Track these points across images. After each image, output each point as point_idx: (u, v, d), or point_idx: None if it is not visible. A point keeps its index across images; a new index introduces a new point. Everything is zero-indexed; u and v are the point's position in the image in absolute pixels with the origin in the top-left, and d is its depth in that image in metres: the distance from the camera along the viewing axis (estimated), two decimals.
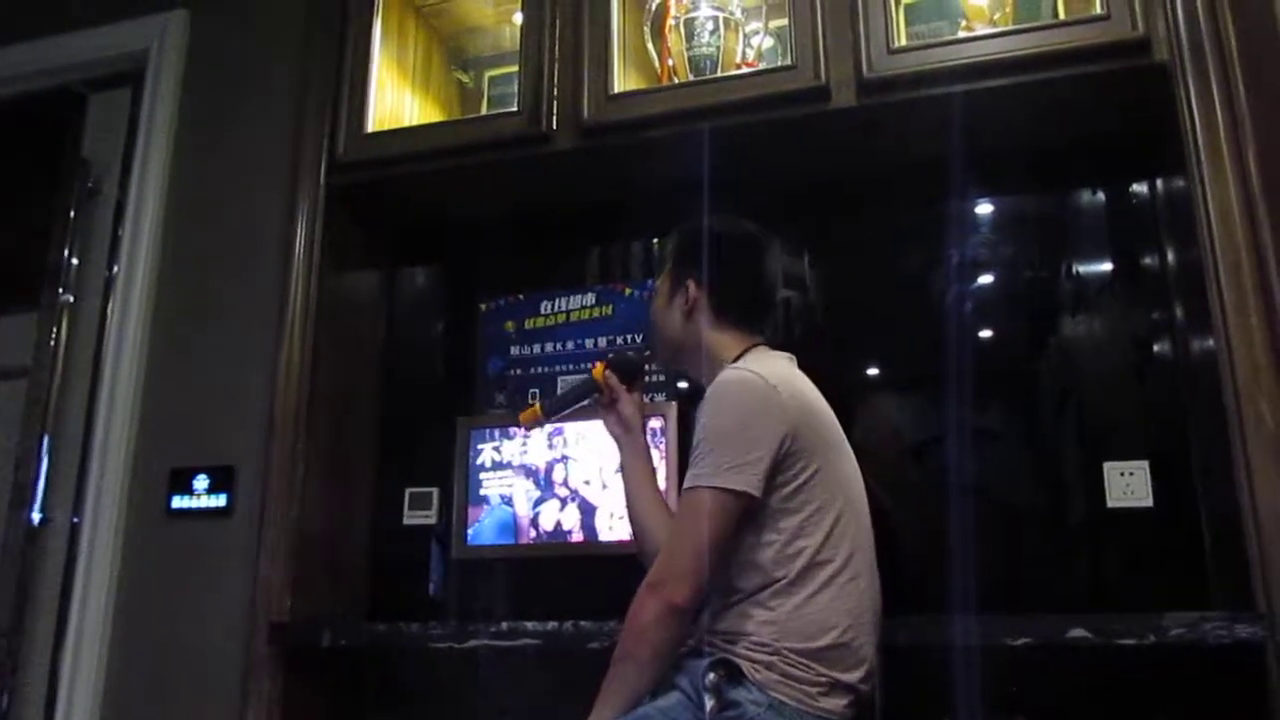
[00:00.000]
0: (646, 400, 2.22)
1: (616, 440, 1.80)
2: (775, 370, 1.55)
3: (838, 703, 1.43)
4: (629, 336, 2.30)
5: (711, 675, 1.43)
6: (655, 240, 2.40)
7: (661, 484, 2.02)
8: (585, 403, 1.84)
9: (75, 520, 2.34)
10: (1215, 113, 1.76)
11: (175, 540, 2.25)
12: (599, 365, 1.81)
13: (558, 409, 1.85)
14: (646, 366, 1.92)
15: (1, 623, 2.29)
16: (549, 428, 2.20)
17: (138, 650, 2.20)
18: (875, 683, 1.51)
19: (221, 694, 2.09)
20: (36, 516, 2.36)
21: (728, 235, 1.73)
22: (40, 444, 2.39)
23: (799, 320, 2.22)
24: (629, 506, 1.77)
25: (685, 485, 1.49)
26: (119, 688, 2.19)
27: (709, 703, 1.41)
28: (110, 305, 2.43)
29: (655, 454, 2.08)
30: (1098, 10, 1.85)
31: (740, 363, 1.59)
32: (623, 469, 1.80)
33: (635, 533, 1.76)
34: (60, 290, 2.49)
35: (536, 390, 2.37)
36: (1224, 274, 1.70)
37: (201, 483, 2.25)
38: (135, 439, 2.32)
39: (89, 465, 2.32)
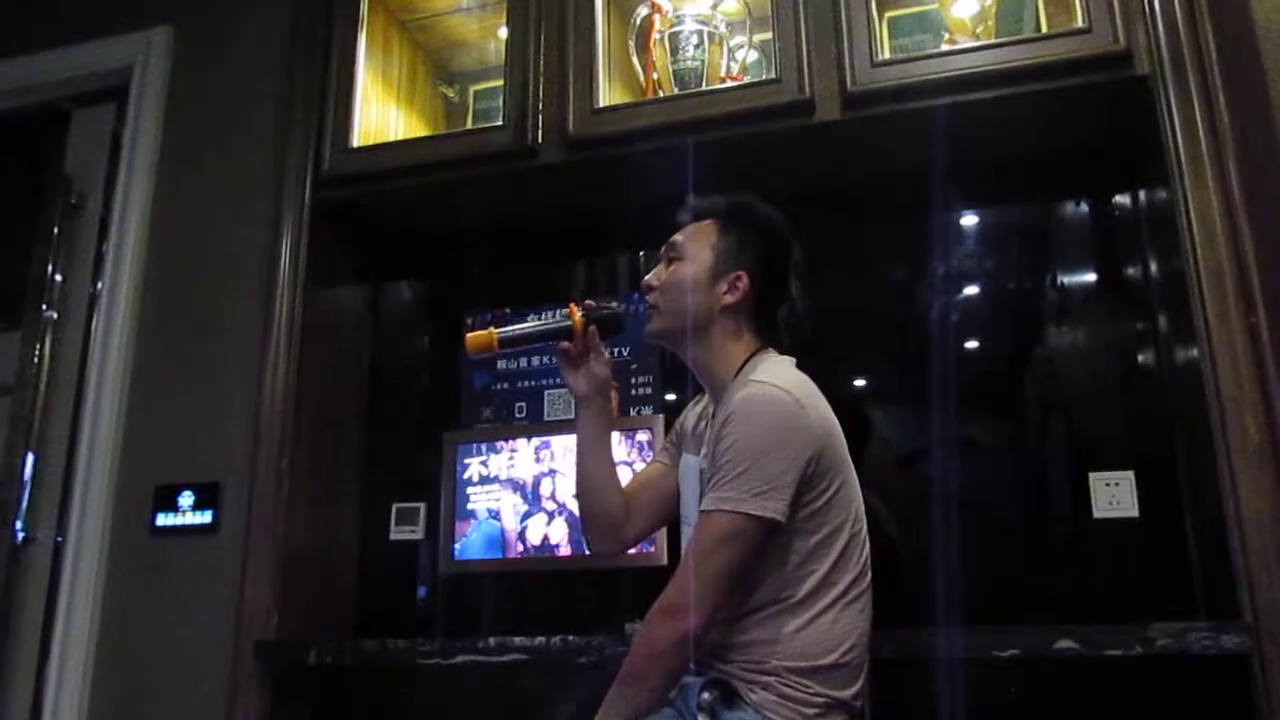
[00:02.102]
0: (633, 413, 2.23)
1: (581, 399, 1.67)
2: (797, 384, 1.48)
3: None
4: (617, 350, 2.29)
5: (705, 695, 1.40)
6: (642, 254, 2.40)
7: None
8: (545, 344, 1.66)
9: (59, 538, 2.32)
10: (1196, 124, 1.77)
11: (160, 558, 2.24)
12: (576, 312, 1.64)
13: (515, 344, 1.64)
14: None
15: None
16: (535, 442, 2.21)
17: (122, 669, 2.19)
18: (864, 696, 1.50)
19: (207, 712, 2.07)
20: (20, 535, 2.34)
21: (781, 233, 1.63)
22: (23, 461, 2.38)
23: (785, 332, 2.22)
24: (581, 473, 1.68)
25: (708, 506, 1.42)
26: (103, 707, 2.17)
27: None
28: (94, 321, 2.43)
29: (642, 466, 2.08)
30: (1079, 23, 1.86)
31: (756, 371, 1.52)
32: (579, 433, 1.68)
33: (585, 502, 1.68)
34: (44, 307, 2.48)
35: (524, 404, 2.36)
36: (1206, 284, 1.71)
37: (186, 500, 2.24)
38: (119, 456, 2.31)
39: (73, 482, 2.31)
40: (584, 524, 1.71)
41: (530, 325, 1.66)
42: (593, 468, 1.68)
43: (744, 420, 1.43)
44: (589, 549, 1.75)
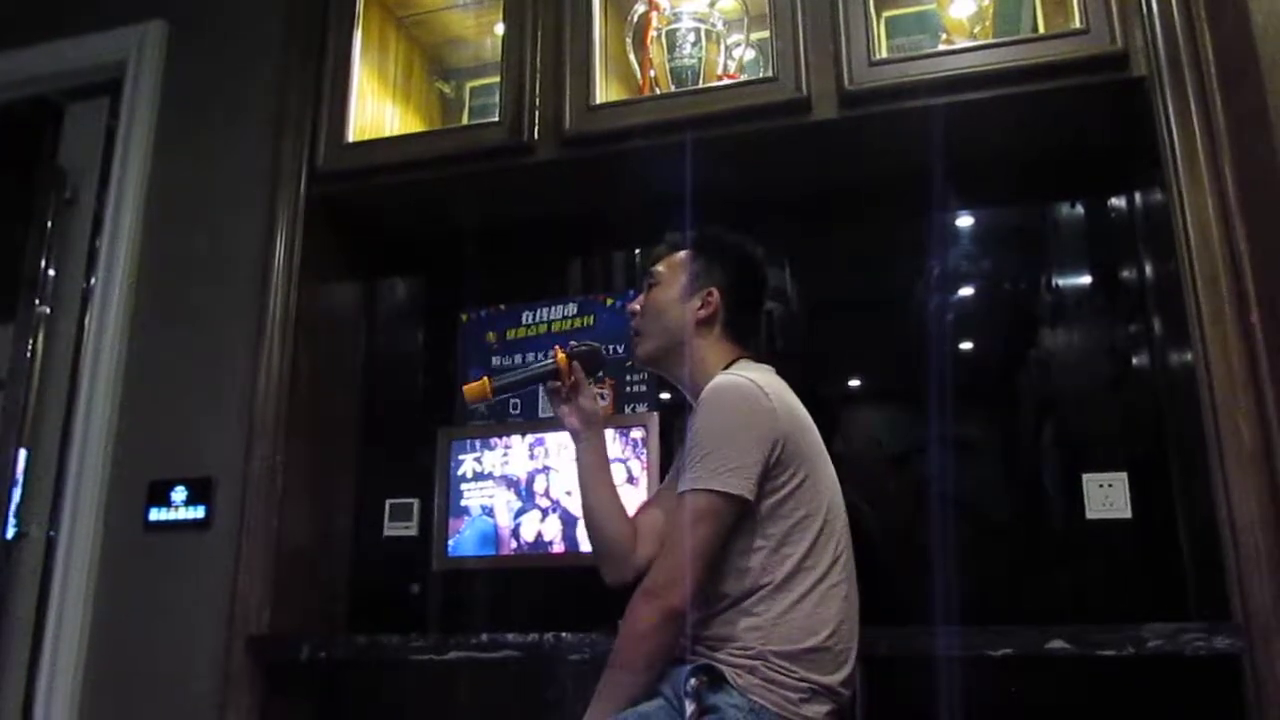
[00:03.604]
0: (628, 411, 2.23)
1: (574, 434, 1.74)
2: (765, 379, 1.56)
3: (819, 709, 1.44)
4: (611, 347, 2.29)
5: (692, 681, 1.43)
6: (638, 251, 2.40)
7: (643, 494, 2.03)
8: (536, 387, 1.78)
9: (52, 534, 2.32)
10: (1193, 126, 1.77)
11: (153, 553, 2.23)
12: (561, 353, 1.73)
13: (508, 389, 1.77)
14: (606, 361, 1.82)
15: None
16: (530, 439, 2.21)
17: (115, 664, 2.18)
18: (855, 688, 1.52)
19: (200, 708, 2.07)
20: (12, 530, 2.34)
21: (749, 254, 1.74)
22: (16, 457, 2.37)
23: (780, 332, 2.22)
24: (585, 506, 1.72)
25: (681, 489, 1.49)
26: (96, 702, 2.17)
27: (689, 707, 1.41)
28: (87, 317, 2.42)
29: (636, 465, 2.09)
30: (1076, 24, 1.86)
31: (730, 371, 1.59)
32: (579, 466, 1.74)
33: (592, 534, 1.72)
34: (37, 302, 2.47)
35: (518, 401, 2.36)
36: (1201, 287, 1.71)
37: (180, 495, 2.23)
38: (113, 451, 2.30)
39: (66, 478, 2.30)
40: (596, 556, 1.73)
41: (520, 371, 1.79)
42: (596, 499, 1.71)
43: (709, 405, 1.52)
44: (605, 580, 1.74)
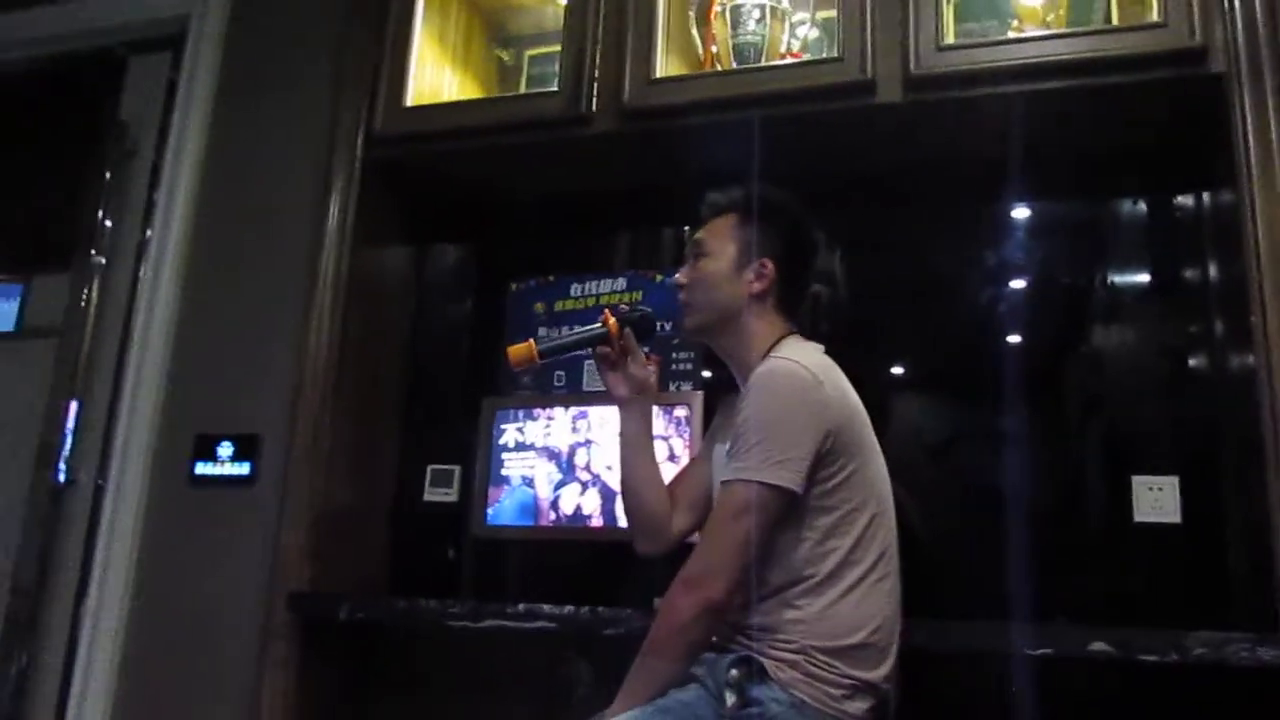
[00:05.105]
0: (673, 389, 2.23)
1: (620, 402, 1.71)
2: (818, 363, 1.52)
3: (860, 705, 1.42)
4: (660, 324, 2.27)
5: (734, 671, 1.41)
6: (687, 228, 2.37)
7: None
8: (583, 352, 1.74)
9: (100, 482, 2.35)
10: (1270, 127, 1.72)
11: (198, 506, 2.26)
12: (611, 318, 1.68)
13: (555, 353, 1.70)
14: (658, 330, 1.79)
15: (23, 581, 2.31)
16: (573, 411, 2.21)
17: (157, 613, 2.22)
18: (895, 681, 1.50)
19: (238, 660, 2.10)
20: (62, 477, 2.37)
21: (800, 220, 1.67)
22: (68, 405, 2.40)
23: (827, 315, 2.20)
24: (624, 477, 1.70)
25: (727, 476, 1.46)
26: (137, 649, 2.21)
27: (730, 699, 1.40)
28: (142, 269, 2.44)
29: (679, 443, 2.08)
30: (1154, 17, 1.82)
31: (780, 351, 1.55)
32: (622, 435, 1.71)
33: (630, 505, 1.71)
34: (93, 252, 2.49)
35: (563, 373, 2.36)
36: (1269, 291, 1.67)
37: (226, 450, 2.26)
38: (162, 404, 2.33)
39: (115, 428, 2.33)
40: (631, 526, 1.72)
41: (568, 335, 1.72)
42: (637, 470, 1.70)
43: (761, 392, 1.48)
44: (638, 550, 1.74)
